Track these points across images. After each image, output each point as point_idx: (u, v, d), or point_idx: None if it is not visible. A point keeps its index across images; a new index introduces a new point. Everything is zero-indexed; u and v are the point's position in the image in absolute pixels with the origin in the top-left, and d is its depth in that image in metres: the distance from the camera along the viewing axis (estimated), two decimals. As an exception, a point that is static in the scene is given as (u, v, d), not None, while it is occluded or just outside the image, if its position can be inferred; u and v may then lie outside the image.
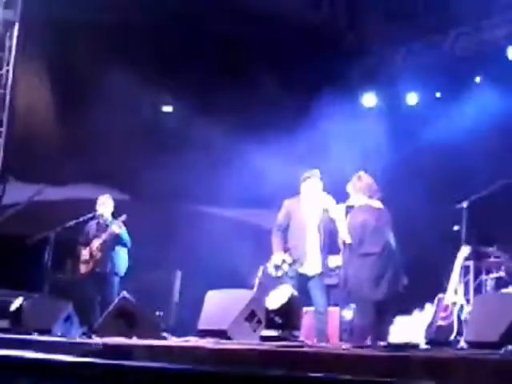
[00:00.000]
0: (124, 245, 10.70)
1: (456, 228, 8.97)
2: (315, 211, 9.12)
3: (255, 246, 11.40)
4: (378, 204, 8.53)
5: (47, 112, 12.38)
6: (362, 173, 8.70)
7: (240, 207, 13.34)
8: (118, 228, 10.58)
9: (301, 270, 8.98)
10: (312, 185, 9.17)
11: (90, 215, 10.78)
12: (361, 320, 8.51)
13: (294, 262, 8.95)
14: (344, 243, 8.58)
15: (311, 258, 9.02)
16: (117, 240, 10.65)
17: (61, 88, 12.39)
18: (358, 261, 8.38)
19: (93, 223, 10.83)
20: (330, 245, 9.18)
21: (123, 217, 10.67)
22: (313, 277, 9.00)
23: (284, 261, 8.92)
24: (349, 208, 8.67)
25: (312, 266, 9.01)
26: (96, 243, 10.63)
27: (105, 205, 10.81)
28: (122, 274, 10.72)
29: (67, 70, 12.15)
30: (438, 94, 12.69)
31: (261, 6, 12.24)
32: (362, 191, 8.53)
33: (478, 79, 12.09)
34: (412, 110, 13.06)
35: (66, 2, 11.25)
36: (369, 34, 12.78)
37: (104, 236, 10.62)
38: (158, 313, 10.86)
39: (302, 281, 8.97)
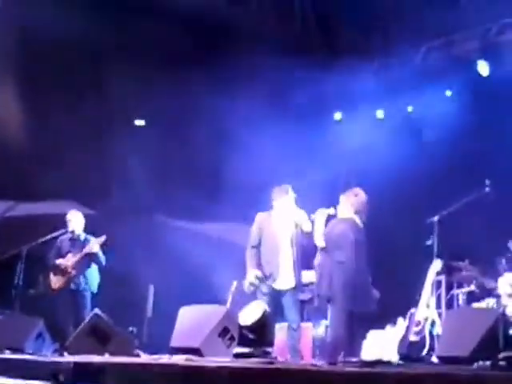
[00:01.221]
0: (99, 263, 10.66)
1: (429, 242, 9.03)
2: (287, 226, 9.14)
3: (228, 260, 11.38)
4: (360, 223, 8.69)
5: (18, 127, 12.27)
6: (359, 190, 8.87)
7: (214, 222, 13.31)
8: (96, 246, 10.55)
9: (274, 286, 8.98)
10: (283, 200, 9.20)
11: (62, 231, 10.73)
12: (334, 334, 8.51)
13: (267, 277, 8.95)
14: (320, 248, 8.65)
15: (284, 272, 9.02)
16: (92, 258, 10.60)
17: (31, 102, 12.29)
18: (334, 267, 8.43)
19: (65, 238, 10.78)
20: (304, 260, 9.20)
21: (103, 237, 10.64)
22: (286, 292, 9.00)
23: (256, 276, 8.92)
24: (330, 217, 8.76)
25: (285, 280, 9.01)
26: (72, 260, 10.57)
27: (75, 220, 10.77)
28: (95, 290, 10.67)
29: (38, 84, 12.06)
30: (409, 108, 12.74)
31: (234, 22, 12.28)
32: (352, 205, 8.72)
33: (448, 93, 12.14)
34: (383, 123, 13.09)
35: (36, 16, 11.17)
36: (341, 48, 12.82)
37: (81, 254, 10.56)
38: (131, 328, 10.81)
39: (276, 296, 8.97)
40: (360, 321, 8.52)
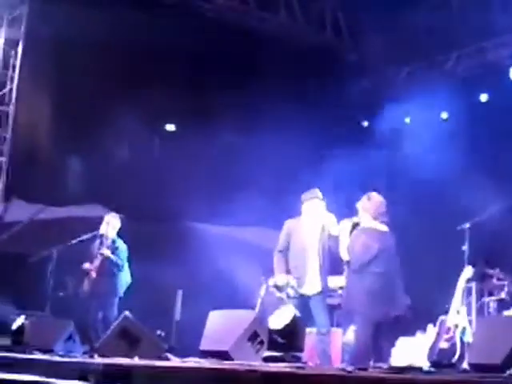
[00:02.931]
0: (117, 268, 10.67)
1: (464, 248, 8.93)
2: (315, 231, 9.13)
3: (257, 265, 11.38)
4: (382, 227, 8.46)
5: (50, 130, 12.38)
6: (373, 193, 8.63)
7: (242, 225, 13.33)
8: (107, 252, 10.58)
9: (301, 291, 8.96)
10: (313, 205, 9.19)
11: (93, 234, 10.77)
12: (361, 341, 8.45)
13: (298, 283, 8.93)
14: (345, 262, 8.57)
15: (311, 277, 9.01)
16: (110, 263, 10.63)
17: (64, 106, 12.39)
18: (358, 280, 8.33)
19: (97, 242, 10.82)
20: (332, 265, 9.18)
21: (120, 240, 10.68)
22: (313, 296, 8.98)
23: (288, 283, 8.89)
24: (356, 225, 8.62)
25: (311, 285, 8.99)
26: (95, 263, 10.63)
27: (109, 224, 10.80)
28: (121, 294, 10.69)
29: (70, 89, 12.14)
30: (444, 115, 12.66)
31: (265, 28, 12.30)
32: (368, 211, 8.47)
33: (482, 98, 12.06)
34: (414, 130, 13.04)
35: (69, 21, 11.26)
36: (371, 55, 12.82)
37: (100, 258, 10.62)
38: (159, 332, 10.82)
39: (304, 301, 8.95)
40: (387, 327, 8.44)
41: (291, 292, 8.90)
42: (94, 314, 10.54)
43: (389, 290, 8.23)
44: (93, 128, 12.17)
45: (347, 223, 8.59)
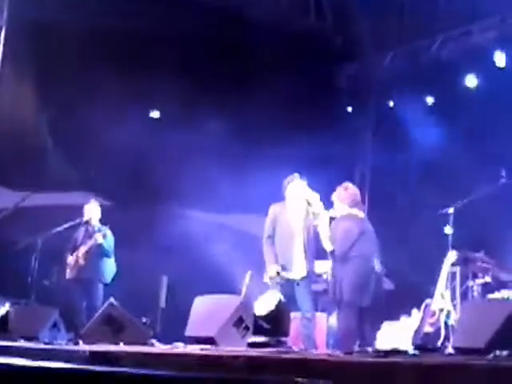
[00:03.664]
0: (105, 255, 10.66)
1: (448, 230, 8.96)
2: (300, 215, 9.13)
3: (243, 251, 11.39)
4: (359, 213, 8.65)
5: (34, 118, 12.30)
6: (348, 184, 8.84)
7: (228, 212, 13.32)
8: (100, 238, 10.57)
9: (287, 275, 8.97)
10: (295, 187, 9.19)
11: (77, 221, 10.75)
12: (345, 325, 8.50)
13: (285, 270, 8.94)
14: (329, 252, 8.63)
15: (297, 262, 9.01)
16: (99, 249, 10.62)
17: (47, 92, 12.31)
18: (342, 267, 8.43)
19: (81, 230, 10.81)
20: (318, 250, 9.19)
21: (106, 227, 10.67)
22: (299, 281, 8.98)
23: (278, 273, 8.91)
24: (332, 218, 8.73)
25: (297, 270, 9.00)
26: (82, 250, 10.60)
27: (91, 211, 10.80)
28: (108, 281, 10.68)
29: (55, 75, 12.06)
30: (429, 100, 12.65)
31: (249, 13, 12.25)
32: (345, 201, 8.66)
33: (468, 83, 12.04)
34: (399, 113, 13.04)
35: (53, 6, 11.17)
36: (356, 39, 12.79)
37: (89, 244, 10.59)
38: (144, 319, 10.81)
39: (289, 286, 8.96)
40: (371, 312, 8.49)
41: (280, 279, 8.92)
42: (80, 301, 10.52)
43: (370, 275, 8.33)
44: (78, 114, 12.10)
45: (325, 216, 8.68)
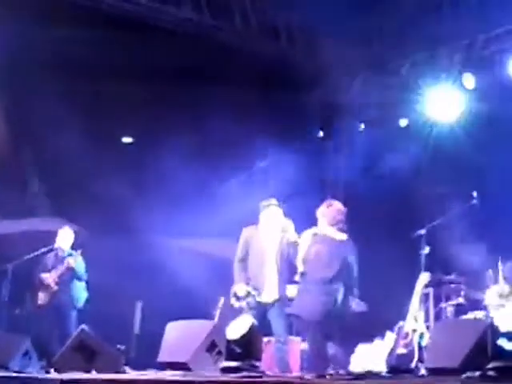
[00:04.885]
0: (78, 279, 10.65)
1: (424, 251, 8.97)
2: (274, 239, 9.12)
3: (216, 276, 11.35)
4: (338, 235, 8.48)
5: (4, 143, 12.23)
6: (333, 201, 8.72)
7: (199, 237, 13.29)
8: (72, 261, 10.53)
9: (259, 299, 8.95)
10: (271, 212, 9.19)
11: (49, 248, 10.70)
12: (314, 348, 8.42)
13: (257, 292, 8.91)
14: (299, 272, 8.59)
15: (269, 285, 8.98)
16: (72, 274, 10.56)
17: (19, 119, 12.26)
18: (310, 290, 8.35)
19: (51, 255, 10.77)
20: (291, 273, 9.17)
21: (79, 251, 10.62)
22: (272, 305, 8.95)
23: (249, 293, 8.87)
24: (315, 235, 8.65)
25: (270, 293, 8.97)
26: (53, 275, 10.54)
27: (64, 238, 10.77)
28: (80, 306, 10.63)
29: (25, 101, 12.03)
30: (403, 122, 12.72)
31: (218, 38, 12.29)
32: (325, 217, 8.52)
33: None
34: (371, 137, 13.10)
35: (21, 40, 11.13)
36: (325, 63, 12.86)
37: (60, 269, 10.54)
38: (118, 346, 10.73)
39: (262, 310, 8.93)
40: (333, 331, 8.41)
41: (251, 301, 8.88)
42: (52, 328, 10.44)
43: (338, 299, 8.23)
44: (51, 142, 12.06)
45: (307, 234, 8.62)
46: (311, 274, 8.35)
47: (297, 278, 8.64)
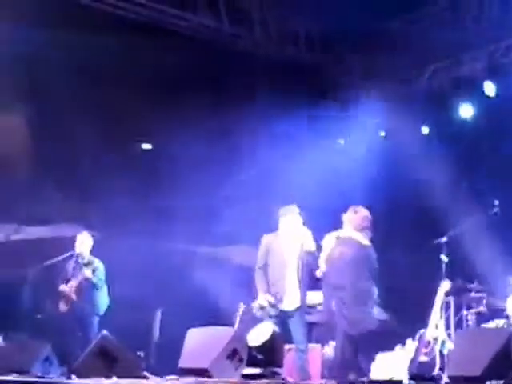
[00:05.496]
0: (96, 288, 10.61)
1: (444, 258, 8.94)
2: (293, 246, 9.12)
3: (236, 282, 11.35)
4: (362, 239, 8.48)
5: (21, 151, 12.26)
6: (360, 207, 8.71)
7: (218, 244, 13.28)
8: (89, 273, 10.53)
9: (280, 307, 8.94)
10: (290, 220, 9.19)
11: (69, 254, 10.70)
12: (338, 355, 8.40)
13: (278, 300, 8.90)
14: (322, 274, 8.57)
15: (290, 293, 8.99)
16: (89, 283, 10.58)
17: (34, 127, 12.30)
18: (334, 293, 8.33)
19: (71, 261, 10.75)
20: (311, 281, 9.16)
21: (97, 260, 10.67)
22: (292, 313, 8.95)
23: (269, 302, 8.87)
24: (338, 239, 8.64)
25: (291, 301, 8.97)
26: (73, 284, 10.55)
27: (83, 243, 10.76)
28: (102, 313, 10.63)
29: (41, 109, 12.05)
30: (425, 130, 12.67)
31: (238, 44, 12.30)
32: (352, 223, 8.54)
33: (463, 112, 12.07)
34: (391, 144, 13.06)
35: (37, 39, 11.16)
36: (346, 69, 12.87)
37: (78, 278, 10.55)
38: (138, 353, 10.74)
39: (283, 317, 8.92)
40: (366, 342, 8.41)
41: (272, 312, 8.88)
42: (73, 334, 10.45)
43: (363, 303, 8.22)
44: (68, 148, 12.09)
45: (331, 236, 8.62)
46: (331, 278, 8.33)
47: (318, 274, 8.65)
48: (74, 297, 10.51)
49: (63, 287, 10.57)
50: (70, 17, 11.02)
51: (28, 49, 11.11)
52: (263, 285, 9.01)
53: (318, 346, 10.17)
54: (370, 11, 11.04)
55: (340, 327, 8.25)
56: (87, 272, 10.52)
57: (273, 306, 8.87)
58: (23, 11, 10.62)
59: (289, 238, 9.17)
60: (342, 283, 8.26)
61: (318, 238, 8.94)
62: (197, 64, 11.93)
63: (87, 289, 10.56)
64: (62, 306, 10.56)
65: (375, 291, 8.46)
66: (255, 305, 8.98)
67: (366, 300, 8.28)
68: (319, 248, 8.81)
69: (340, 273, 8.31)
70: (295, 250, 9.10)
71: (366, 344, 8.55)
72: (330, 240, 8.61)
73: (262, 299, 8.91)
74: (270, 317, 8.84)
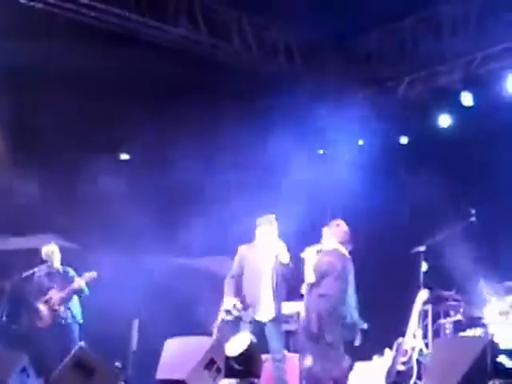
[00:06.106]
0: (80, 297, 10.61)
1: (424, 267, 9.01)
2: (268, 257, 9.15)
3: (213, 293, 11.32)
4: (345, 251, 8.72)
5: (4, 160, 12.23)
6: (341, 221, 8.97)
7: (196, 254, 13.27)
8: (83, 283, 10.52)
9: (255, 317, 8.95)
10: (265, 230, 9.21)
11: (43, 265, 10.66)
12: (319, 363, 8.41)
13: (246, 307, 8.91)
14: (308, 284, 8.61)
15: (264, 303, 9.01)
16: (77, 293, 10.55)
17: (12, 136, 12.26)
18: (317, 301, 8.39)
19: (42, 273, 10.68)
20: (287, 291, 9.18)
21: (94, 274, 10.64)
22: (268, 323, 8.96)
23: (235, 305, 8.88)
24: (319, 252, 8.74)
25: (265, 311, 8.99)
26: (58, 295, 10.48)
27: (54, 254, 10.72)
28: (81, 320, 10.61)
29: (20, 119, 12.02)
30: (403, 140, 12.73)
31: (217, 56, 12.33)
32: (335, 236, 8.76)
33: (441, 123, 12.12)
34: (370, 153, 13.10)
35: (21, 51, 11.15)
36: (325, 81, 12.91)
37: (69, 289, 10.50)
38: (117, 363, 10.69)
39: (260, 327, 8.92)
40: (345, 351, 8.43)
41: (236, 314, 8.88)
42: (52, 345, 10.37)
43: (344, 313, 8.30)
44: (43, 156, 12.07)
45: (311, 250, 8.70)
46: (319, 287, 8.36)
47: (303, 290, 8.68)
48: (61, 309, 10.47)
49: (42, 308, 10.49)
50: (51, 29, 11.06)
51: (11, 61, 11.13)
52: (230, 291, 9.07)
53: (296, 355, 10.17)
54: (347, 23, 11.12)
55: (328, 338, 8.26)
56: (81, 283, 10.50)
57: (239, 310, 8.89)
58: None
59: (264, 249, 9.20)
60: (328, 293, 8.32)
61: (299, 249, 9.00)
62: (177, 74, 11.97)
63: (69, 299, 10.54)
64: (45, 319, 10.47)
65: (354, 301, 8.54)
66: (221, 309, 8.99)
67: (347, 310, 8.35)
68: (296, 260, 8.88)
69: (328, 283, 8.40)
70: (270, 261, 9.13)
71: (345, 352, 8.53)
72: (311, 254, 8.70)
73: (227, 303, 8.93)
74: (248, 324, 8.85)
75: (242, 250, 9.30)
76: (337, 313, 8.34)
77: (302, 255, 8.81)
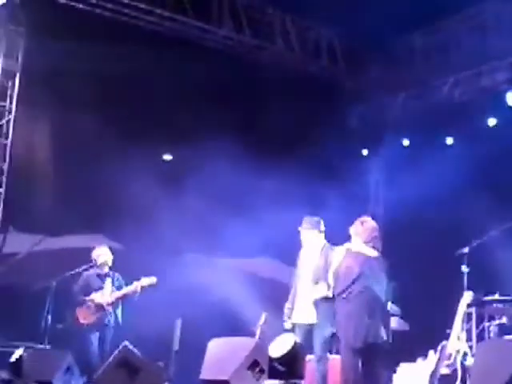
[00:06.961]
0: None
1: (464, 269, 8.91)
2: (311, 260, 9.13)
3: (256, 294, 11.36)
4: (370, 251, 8.36)
5: (47, 162, 12.36)
6: (366, 218, 8.63)
7: (240, 256, 13.30)
8: (139, 288, 10.54)
9: (299, 319, 8.96)
10: (309, 235, 9.20)
11: (90, 265, 10.72)
12: (345, 366, 8.28)
13: (295, 311, 8.93)
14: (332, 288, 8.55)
15: (308, 306, 8.98)
16: (130, 297, 10.63)
17: (61, 137, 12.38)
18: (341, 306, 8.26)
19: (92, 274, 10.73)
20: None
21: (154, 279, 10.67)
22: (311, 325, 8.95)
23: (285, 313, 8.92)
24: (348, 250, 8.60)
25: (308, 314, 8.97)
26: (111, 297, 10.52)
27: (104, 255, 10.76)
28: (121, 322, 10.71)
29: (67, 120, 12.14)
30: (449, 140, 12.65)
31: (260, 57, 12.35)
32: (360, 236, 8.43)
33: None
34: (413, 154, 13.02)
35: (66, 52, 11.27)
36: (368, 81, 12.88)
37: (125, 293, 10.58)
38: (160, 363, 10.74)
39: (304, 328, 8.92)
40: (371, 356, 8.24)
41: (288, 324, 8.92)
42: (95, 344, 10.44)
43: (368, 315, 8.10)
44: (91, 158, 12.16)
45: (341, 249, 8.59)
46: (342, 291, 8.25)
47: (329, 293, 8.61)
48: (110, 309, 10.53)
49: (96, 297, 10.53)
50: (94, 29, 11.18)
51: (52, 61, 11.25)
52: (290, 296, 9.12)
53: (338, 356, 10.14)
54: (391, 23, 11.06)
55: (345, 338, 8.16)
56: (138, 288, 10.55)
57: (288, 317, 8.93)
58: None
59: (307, 252, 9.20)
60: (347, 296, 8.19)
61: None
62: (221, 75, 12.02)
63: (121, 302, 10.63)
64: (87, 318, 10.52)
65: (387, 302, 8.40)
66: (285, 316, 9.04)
67: (372, 312, 8.17)
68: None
69: (346, 286, 8.22)
70: (312, 264, 9.11)
71: (370, 357, 8.36)
72: (340, 253, 8.54)
73: (285, 311, 8.97)
74: (292, 327, 8.87)
75: (300, 253, 9.33)
76: (355, 317, 8.14)
77: (331, 257, 8.75)
